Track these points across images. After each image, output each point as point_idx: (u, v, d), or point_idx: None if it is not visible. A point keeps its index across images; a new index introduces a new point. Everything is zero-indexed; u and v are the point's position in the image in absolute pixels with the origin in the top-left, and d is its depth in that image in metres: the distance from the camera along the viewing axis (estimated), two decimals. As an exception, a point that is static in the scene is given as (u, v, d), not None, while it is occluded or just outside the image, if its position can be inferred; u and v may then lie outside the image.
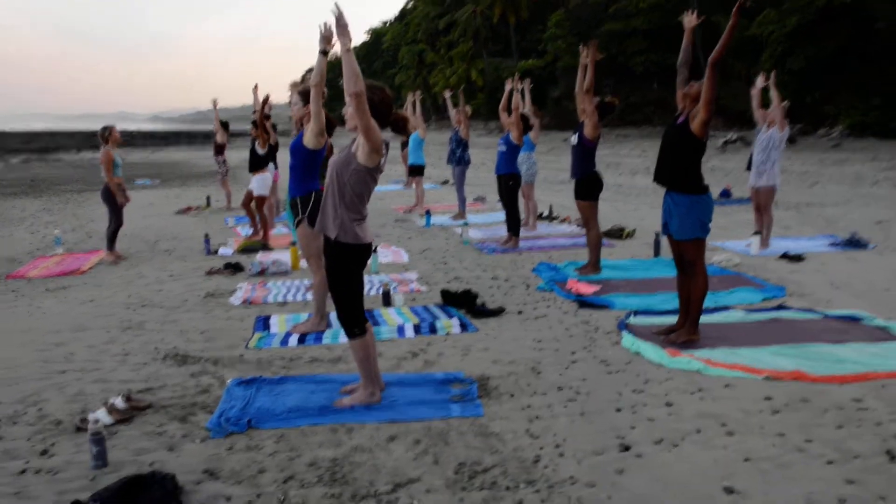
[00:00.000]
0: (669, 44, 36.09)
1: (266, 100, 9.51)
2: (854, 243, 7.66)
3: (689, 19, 4.75)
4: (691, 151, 4.56)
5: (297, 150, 5.05)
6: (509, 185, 8.31)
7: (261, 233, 9.22)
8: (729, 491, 2.88)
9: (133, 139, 59.24)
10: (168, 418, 3.82)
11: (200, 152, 35.34)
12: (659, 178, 4.75)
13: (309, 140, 4.95)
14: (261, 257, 8.11)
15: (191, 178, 19.87)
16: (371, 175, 3.67)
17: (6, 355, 4.97)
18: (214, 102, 12.50)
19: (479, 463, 3.18)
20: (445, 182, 16.20)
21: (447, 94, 11.30)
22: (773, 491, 2.87)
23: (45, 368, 4.68)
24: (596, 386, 4.05)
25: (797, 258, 7.13)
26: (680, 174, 4.59)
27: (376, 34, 77.45)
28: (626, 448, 3.28)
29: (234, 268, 7.54)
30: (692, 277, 4.69)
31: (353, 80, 3.44)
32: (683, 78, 4.69)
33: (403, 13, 73.44)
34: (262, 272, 7.33)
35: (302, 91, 5.17)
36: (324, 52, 4.70)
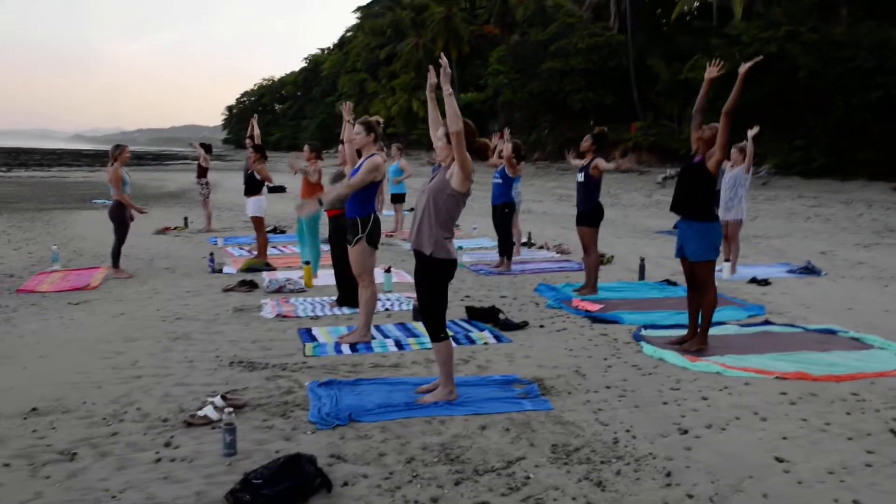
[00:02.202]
0: (605, 83, 38.15)
1: (253, 127, 10.05)
2: (809, 270, 8.69)
3: (711, 70, 5.36)
4: (707, 186, 5.33)
5: None
6: (505, 212, 8.98)
7: (256, 252, 9.56)
8: (779, 460, 3.56)
9: (60, 158, 57.41)
10: (268, 415, 4.22)
11: (142, 173, 34.73)
12: (677, 208, 5.50)
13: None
14: (268, 276, 8.46)
15: (149, 199, 19.67)
16: (463, 198, 4.24)
17: (73, 361, 5.23)
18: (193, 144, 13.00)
19: (569, 444, 3.76)
20: (411, 209, 16.76)
21: None
22: (814, 459, 3.57)
23: (119, 374, 4.97)
24: (637, 385, 4.70)
25: (764, 282, 8.06)
26: (697, 205, 5.36)
27: (315, 61, 77.88)
28: (685, 431, 3.93)
29: (249, 285, 7.88)
30: (704, 294, 5.43)
31: (454, 121, 4.02)
32: (698, 123, 5.46)
33: (342, 42, 74.26)
34: (279, 289, 7.70)
35: (364, 122, 5.69)
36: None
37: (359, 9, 72.47)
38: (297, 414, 4.23)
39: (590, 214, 7.42)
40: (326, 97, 67.87)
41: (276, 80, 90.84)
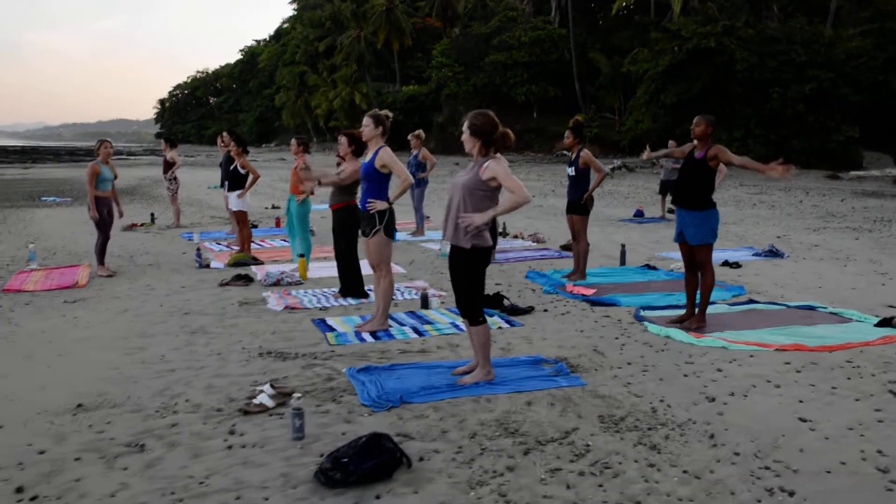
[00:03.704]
0: (548, 76, 38.89)
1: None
2: (773, 253, 9.31)
3: (646, 153, 6.60)
4: (707, 178, 5.74)
5: (370, 173, 5.75)
6: (489, 203, 9.25)
7: (240, 248, 9.57)
8: (803, 420, 3.97)
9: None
10: (319, 401, 4.38)
11: (79, 170, 33.43)
12: (679, 201, 5.90)
13: (380, 167, 5.72)
14: (259, 270, 8.51)
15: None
16: (497, 192, 4.49)
17: (97, 358, 5.24)
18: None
19: (614, 415, 4.08)
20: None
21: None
22: (833, 418, 3.99)
23: (151, 369, 5.02)
24: (655, 360, 5.06)
25: (736, 265, 8.61)
26: (698, 196, 5.75)
27: (251, 53, 76.27)
28: (712, 399, 4.30)
29: (245, 279, 7.92)
30: (703, 275, 5.85)
31: (518, 202, 4.36)
32: (675, 151, 6.32)
33: (279, 34, 72.99)
34: (277, 283, 7.77)
35: (372, 115, 5.85)
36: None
37: (296, 0, 71.35)
38: (347, 398, 4.40)
39: (580, 203, 7.78)
40: (264, 90, 66.63)
41: (210, 72, 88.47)
